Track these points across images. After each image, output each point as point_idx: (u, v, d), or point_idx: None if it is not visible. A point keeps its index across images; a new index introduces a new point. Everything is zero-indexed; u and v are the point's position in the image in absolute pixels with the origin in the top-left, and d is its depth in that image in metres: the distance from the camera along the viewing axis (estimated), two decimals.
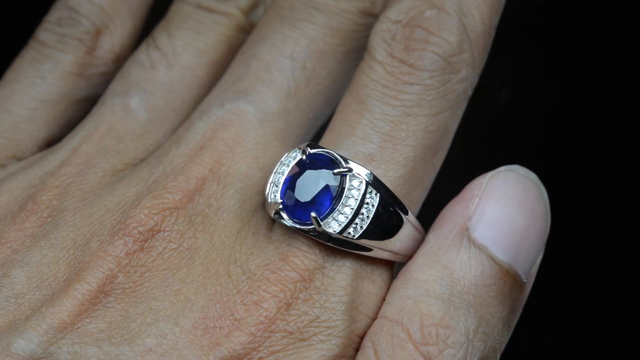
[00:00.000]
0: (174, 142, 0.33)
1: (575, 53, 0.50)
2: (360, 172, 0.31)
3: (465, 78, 0.33)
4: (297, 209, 0.31)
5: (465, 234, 0.32)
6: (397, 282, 0.32)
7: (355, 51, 0.35)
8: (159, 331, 0.30)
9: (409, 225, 0.32)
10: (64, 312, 0.30)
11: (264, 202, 0.32)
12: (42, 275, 0.31)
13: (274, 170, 0.32)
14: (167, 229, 0.31)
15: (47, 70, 0.36)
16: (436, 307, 0.31)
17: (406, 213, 0.32)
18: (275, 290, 0.30)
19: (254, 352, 0.30)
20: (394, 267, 0.33)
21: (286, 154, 0.32)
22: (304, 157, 0.31)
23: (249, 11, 0.36)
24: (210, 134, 0.33)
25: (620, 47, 0.50)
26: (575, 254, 0.51)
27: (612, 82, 0.51)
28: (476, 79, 0.34)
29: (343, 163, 0.31)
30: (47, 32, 0.36)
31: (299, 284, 0.31)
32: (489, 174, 0.33)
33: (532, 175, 0.32)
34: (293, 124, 0.34)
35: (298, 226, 0.31)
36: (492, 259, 0.31)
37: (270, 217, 0.32)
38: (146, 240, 0.31)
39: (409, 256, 0.32)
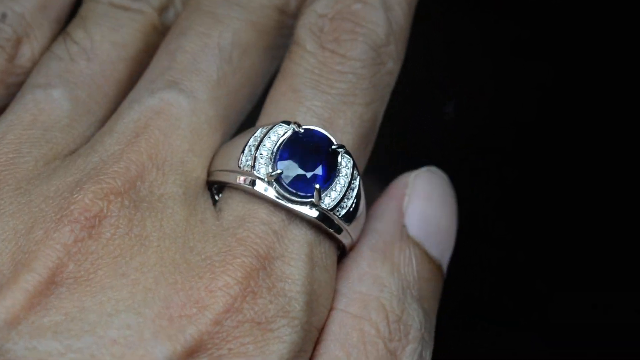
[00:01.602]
0: (106, 132, 0.33)
1: (516, 31, 0.50)
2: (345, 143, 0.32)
3: (391, 71, 0.34)
4: (297, 181, 0.31)
5: (404, 231, 0.33)
6: (350, 275, 0.32)
7: (273, 48, 0.35)
8: (122, 322, 0.29)
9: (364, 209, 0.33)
10: (16, 306, 0.28)
11: (203, 188, 0.32)
12: None
13: (246, 144, 0.32)
14: (113, 214, 0.30)
15: None
16: (395, 302, 0.32)
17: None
18: (240, 276, 0.30)
19: (222, 342, 0.29)
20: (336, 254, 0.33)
21: (258, 131, 0.32)
22: (301, 130, 0.32)
23: (162, 12, 0.36)
24: (144, 121, 0.32)
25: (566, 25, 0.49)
26: (511, 244, 0.50)
27: (556, 62, 0.50)
28: (397, 72, 0.35)
29: (334, 140, 0.32)
30: None
31: (261, 272, 0.30)
32: (413, 173, 0.34)
33: (446, 176, 0.35)
34: (223, 113, 0.34)
35: (294, 197, 0.31)
36: (427, 255, 0.33)
37: (226, 204, 0.32)
38: (93, 227, 0.30)
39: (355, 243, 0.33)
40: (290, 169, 0.31)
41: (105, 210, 0.30)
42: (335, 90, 0.33)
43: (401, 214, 0.33)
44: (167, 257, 0.30)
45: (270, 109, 0.34)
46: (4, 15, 0.35)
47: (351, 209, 0.32)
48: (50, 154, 0.33)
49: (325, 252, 0.32)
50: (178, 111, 0.33)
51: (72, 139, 0.33)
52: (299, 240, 0.31)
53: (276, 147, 0.31)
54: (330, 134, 0.32)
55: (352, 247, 0.33)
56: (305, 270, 0.31)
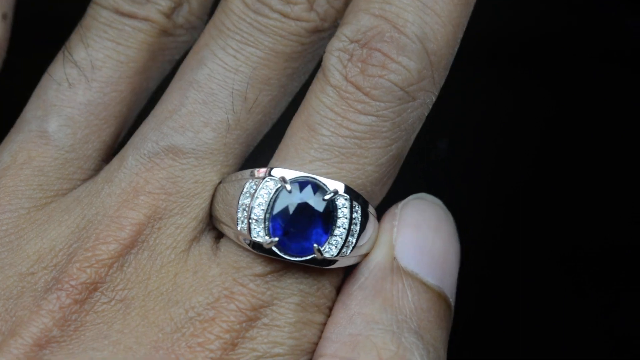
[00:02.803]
0: (106, 180, 0.32)
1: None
2: (340, 188, 0.31)
3: (422, 104, 0.32)
4: (293, 243, 0.31)
5: (395, 264, 0.32)
6: (339, 319, 0.31)
7: (301, 69, 0.34)
8: None
9: (373, 221, 0.32)
10: None
11: (201, 232, 0.32)
12: None
13: (239, 203, 0.31)
14: (99, 281, 0.31)
15: None
16: (388, 338, 0.31)
17: (368, 206, 0.32)
18: (220, 331, 0.30)
19: None
20: (339, 283, 0.33)
21: (248, 184, 0.31)
22: (288, 186, 0.31)
23: (171, 13, 0.35)
24: (145, 174, 0.32)
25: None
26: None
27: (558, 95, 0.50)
28: (433, 100, 0.33)
29: (328, 188, 0.31)
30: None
31: (244, 324, 0.30)
32: (401, 204, 0.33)
33: (439, 201, 0.33)
34: (233, 156, 0.33)
35: (295, 259, 0.31)
36: (424, 284, 0.32)
37: (222, 247, 0.32)
38: (80, 294, 0.30)
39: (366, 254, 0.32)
40: (288, 234, 0.31)
41: (92, 278, 0.31)
42: (350, 132, 0.31)
43: (391, 246, 0.32)
44: (151, 316, 0.31)
45: (282, 147, 0.32)
46: (4, 17, 0.35)
47: (358, 240, 0.31)
48: (43, 198, 0.32)
49: (322, 289, 0.32)
50: (181, 164, 0.32)
51: (68, 178, 0.33)
52: (292, 288, 0.31)
53: (267, 209, 0.31)
54: (340, 178, 0.31)
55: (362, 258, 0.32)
56: (295, 317, 0.31)
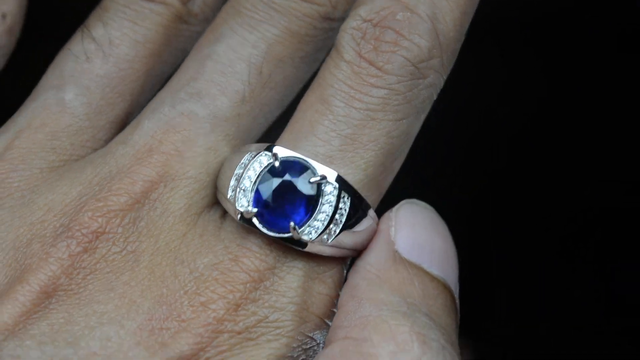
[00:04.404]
0: (120, 142, 0.33)
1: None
2: (331, 176, 0.31)
3: (432, 84, 0.33)
4: (272, 217, 0.31)
5: (397, 256, 0.32)
6: (348, 307, 0.31)
7: (312, 55, 0.35)
8: (104, 334, 0.29)
9: (369, 220, 0.32)
10: (5, 315, 0.29)
11: (212, 203, 0.33)
12: None
13: (234, 173, 0.31)
14: (111, 231, 0.31)
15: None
16: (400, 316, 0.30)
17: (368, 208, 0.32)
18: (224, 292, 0.30)
19: (201, 353, 0.30)
20: (344, 267, 0.33)
21: (247, 156, 0.32)
22: (277, 163, 0.31)
23: (187, 0, 0.36)
24: (160, 135, 0.32)
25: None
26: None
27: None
28: (442, 84, 0.33)
29: (317, 171, 0.31)
30: None
31: (248, 285, 0.31)
32: (394, 208, 0.33)
33: (429, 206, 0.33)
34: (245, 128, 0.34)
35: (273, 234, 0.31)
36: (428, 274, 0.32)
37: (228, 217, 0.32)
38: (90, 242, 0.31)
39: (363, 249, 0.32)
40: (266, 206, 0.31)
41: (103, 227, 0.31)
42: (364, 104, 0.32)
43: (391, 243, 0.32)
44: (157, 271, 0.31)
45: (295, 121, 0.33)
46: (4, 16, 0.36)
47: (342, 231, 0.32)
48: (57, 160, 0.33)
49: (327, 265, 0.32)
50: (196, 127, 0.33)
51: (80, 145, 0.33)
52: (295, 256, 0.32)
53: (255, 182, 0.31)
54: (350, 150, 0.32)
55: (358, 252, 0.33)
56: (296, 283, 0.31)
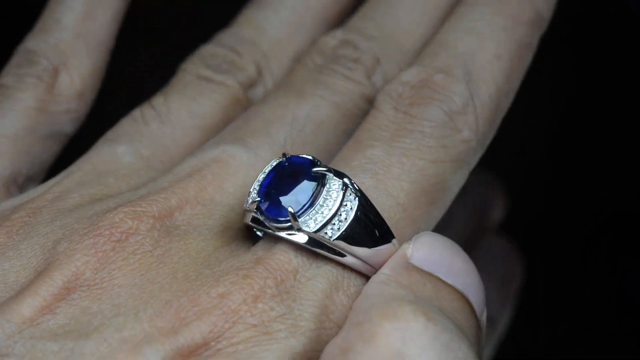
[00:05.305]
0: (162, 175, 0.34)
1: None
2: (341, 176, 0.31)
3: (467, 140, 0.34)
4: (272, 206, 0.31)
5: (411, 265, 0.31)
6: (356, 304, 0.31)
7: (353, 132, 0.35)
8: (119, 324, 0.29)
9: (392, 248, 0.32)
10: (28, 310, 0.29)
11: (246, 232, 0.33)
12: (5, 280, 0.31)
13: (256, 180, 0.32)
14: (142, 232, 0.31)
15: (8, 108, 0.36)
16: (408, 304, 0.29)
17: (392, 237, 0.32)
18: (243, 284, 0.30)
19: (213, 343, 0.29)
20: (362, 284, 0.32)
21: (269, 165, 0.32)
22: (284, 159, 0.32)
23: (248, 87, 0.37)
24: (201, 166, 0.33)
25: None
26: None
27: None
28: (479, 153, 0.34)
29: (321, 164, 0.31)
30: (7, 75, 0.37)
31: (268, 281, 0.30)
32: (414, 237, 0.32)
33: (451, 240, 0.32)
34: None
35: (274, 224, 0.31)
36: (443, 281, 0.31)
37: (248, 227, 0.32)
38: (119, 241, 0.31)
39: (378, 268, 0.32)
40: (269, 195, 0.31)
41: (134, 228, 0.31)
42: (398, 144, 0.33)
43: (405, 256, 0.31)
44: (182, 270, 0.31)
45: (333, 161, 0.34)
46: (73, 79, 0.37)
47: (349, 231, 0.31)
48: (99, 194, 0.34)
49: (351, 276, 0.32)
50: (237, 163, 0.33)
51: (126, 188, 0.34)
52: (319, 261, 0.31)
53: (261, 179, 0.32)
54: (381, 182, 0.32)
55: (374, 271, 0.32)
56: (319, 288, 0.31)
